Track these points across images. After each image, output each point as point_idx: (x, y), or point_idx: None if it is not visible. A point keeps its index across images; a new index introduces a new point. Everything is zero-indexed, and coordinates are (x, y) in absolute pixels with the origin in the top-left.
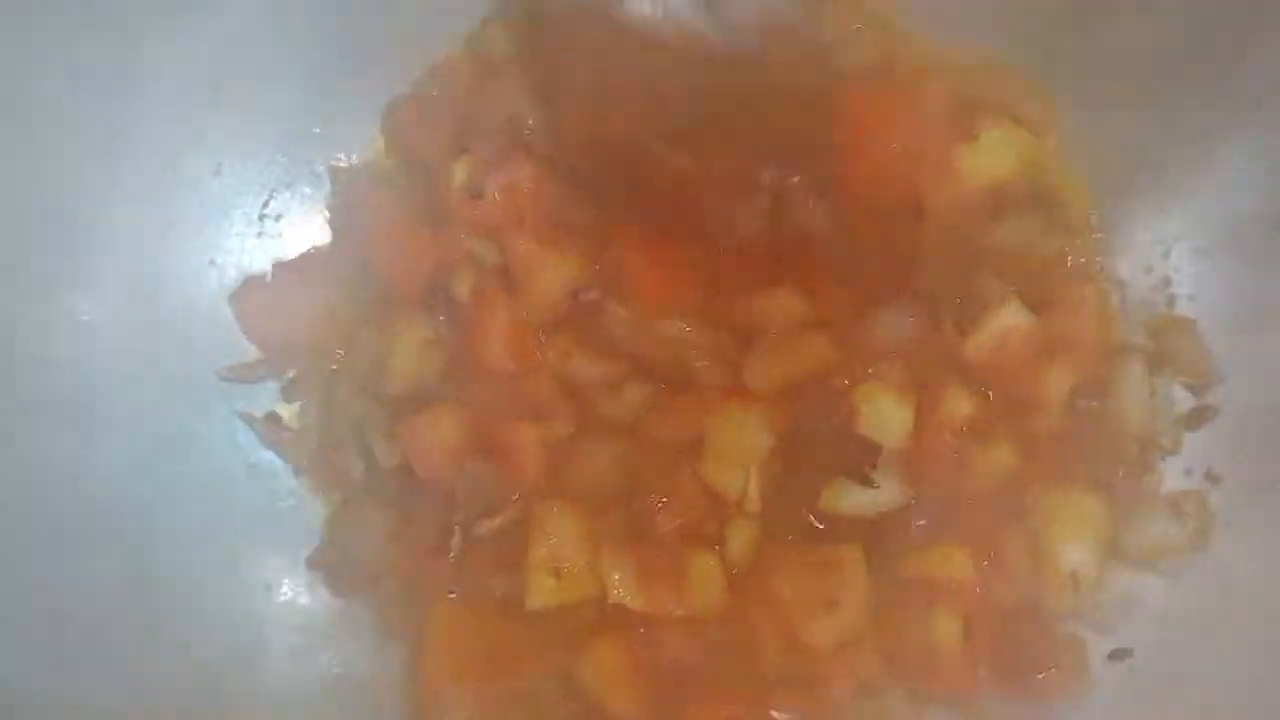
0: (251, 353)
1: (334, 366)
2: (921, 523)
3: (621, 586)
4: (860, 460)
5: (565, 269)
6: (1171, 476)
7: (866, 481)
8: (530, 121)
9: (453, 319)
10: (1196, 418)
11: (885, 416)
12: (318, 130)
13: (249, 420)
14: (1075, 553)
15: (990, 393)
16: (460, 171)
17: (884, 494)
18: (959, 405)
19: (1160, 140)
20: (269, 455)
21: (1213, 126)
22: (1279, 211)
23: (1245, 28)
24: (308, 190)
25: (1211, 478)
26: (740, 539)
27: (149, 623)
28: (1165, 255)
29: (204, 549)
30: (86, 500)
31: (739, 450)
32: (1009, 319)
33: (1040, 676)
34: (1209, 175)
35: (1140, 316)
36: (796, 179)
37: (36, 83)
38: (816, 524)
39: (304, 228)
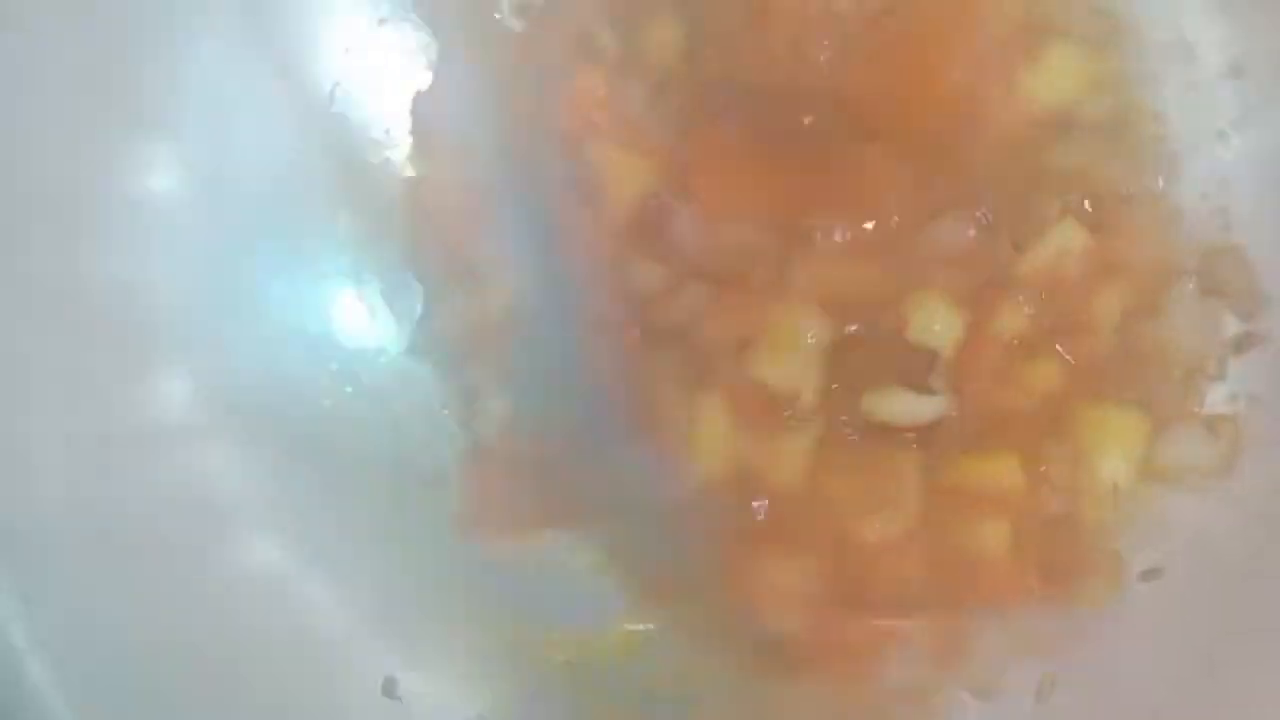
0: None
1: None
2: (968, 432)
3: None
4: (913, 367)
5: (641, 174)
6: (1211, 402)
7: (923, 388)
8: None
9: None
10: (1243, 343)
11: (936, 323)
12: None
13: None
14: (1114, 466)
15: (1042, 311)
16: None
17: (932, 401)
18: (1012, 320)
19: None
20: None
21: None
22: None
23: None
24: None
25: (1254, 400)
26: (795, 442)
27: None
28: (1223, 185)
29: None
30: None
31: (792, 348)
32: (1066, 238)
33: (1079, 583)
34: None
35: (1193, 241)
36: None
37: None
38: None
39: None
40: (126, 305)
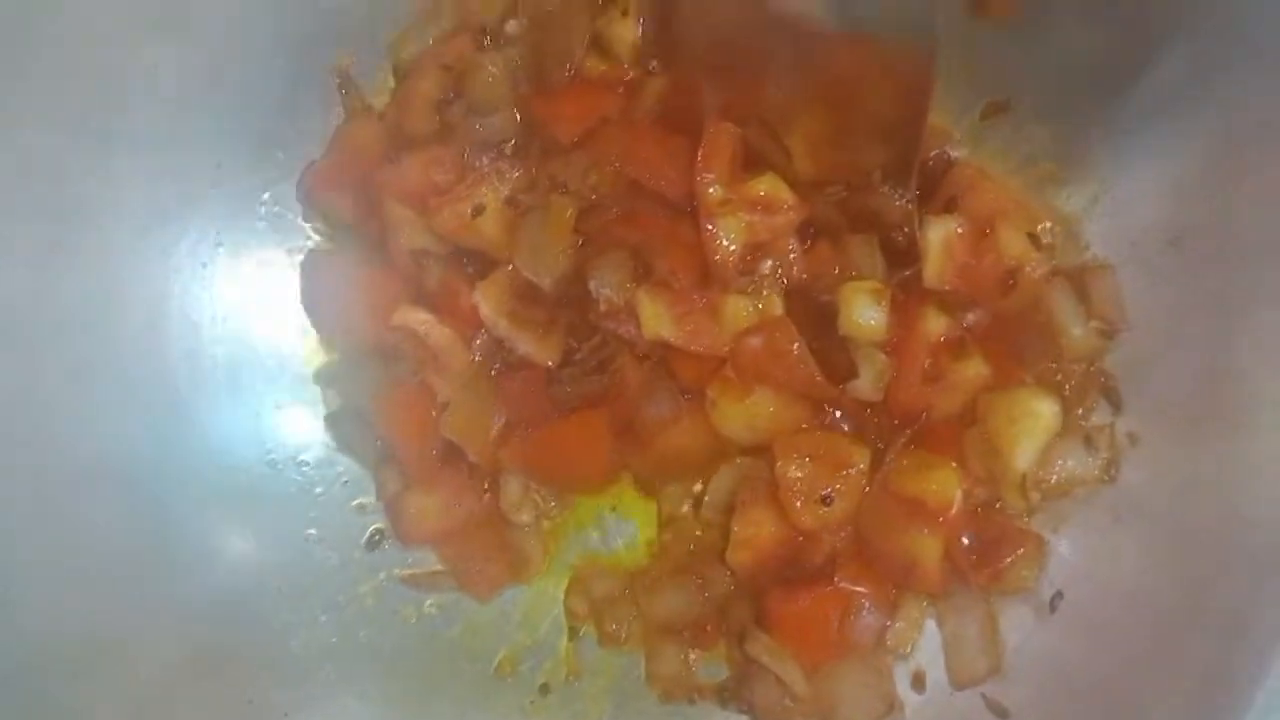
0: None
1: None
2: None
3: (656, 319)
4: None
5: None
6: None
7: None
8: None
9: None
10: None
11: (864, 315)
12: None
13: None
14: (1027, 454)
15: (965, 311)
16: None
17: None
18: (935, 324)
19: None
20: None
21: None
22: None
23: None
24: None
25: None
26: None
27: None
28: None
29: None
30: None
31: None
32: (936, 233)
33: (1007, 561)
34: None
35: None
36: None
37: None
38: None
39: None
40: None
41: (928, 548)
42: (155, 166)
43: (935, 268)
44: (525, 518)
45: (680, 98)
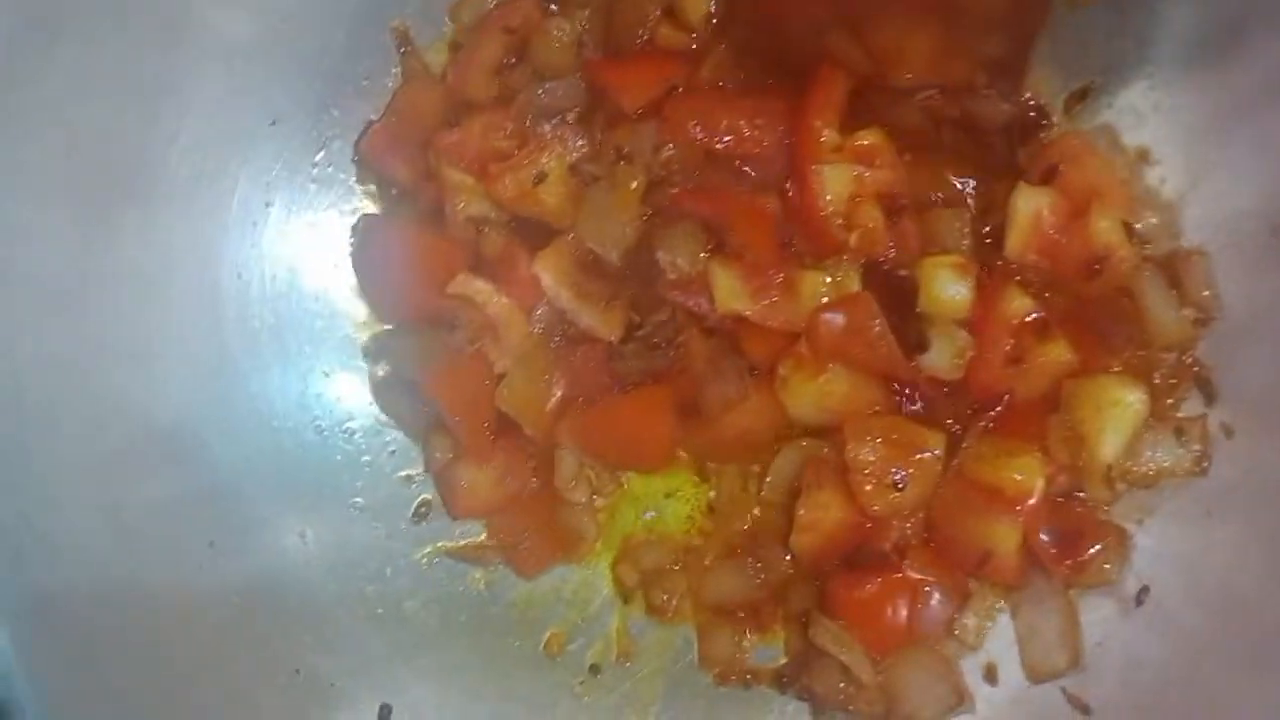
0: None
1: None
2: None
3: (730, 292)
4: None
5: None
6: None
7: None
8: None
9: None
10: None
11: (947, 290)
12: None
13: None
14: (1113, 444)
15: (1047, 291)
16: None
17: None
18: (1018, 304)
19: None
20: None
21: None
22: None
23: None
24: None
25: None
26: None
27: None
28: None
29: None
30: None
31: None
32: (1027, 204)
33: (1089, 553)
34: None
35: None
36: None
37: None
38: None
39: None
40: None
41: (1006, 538)
42: (208, 122)
43: (1019, 239)
44: (579, 496)
45: (757, 48)
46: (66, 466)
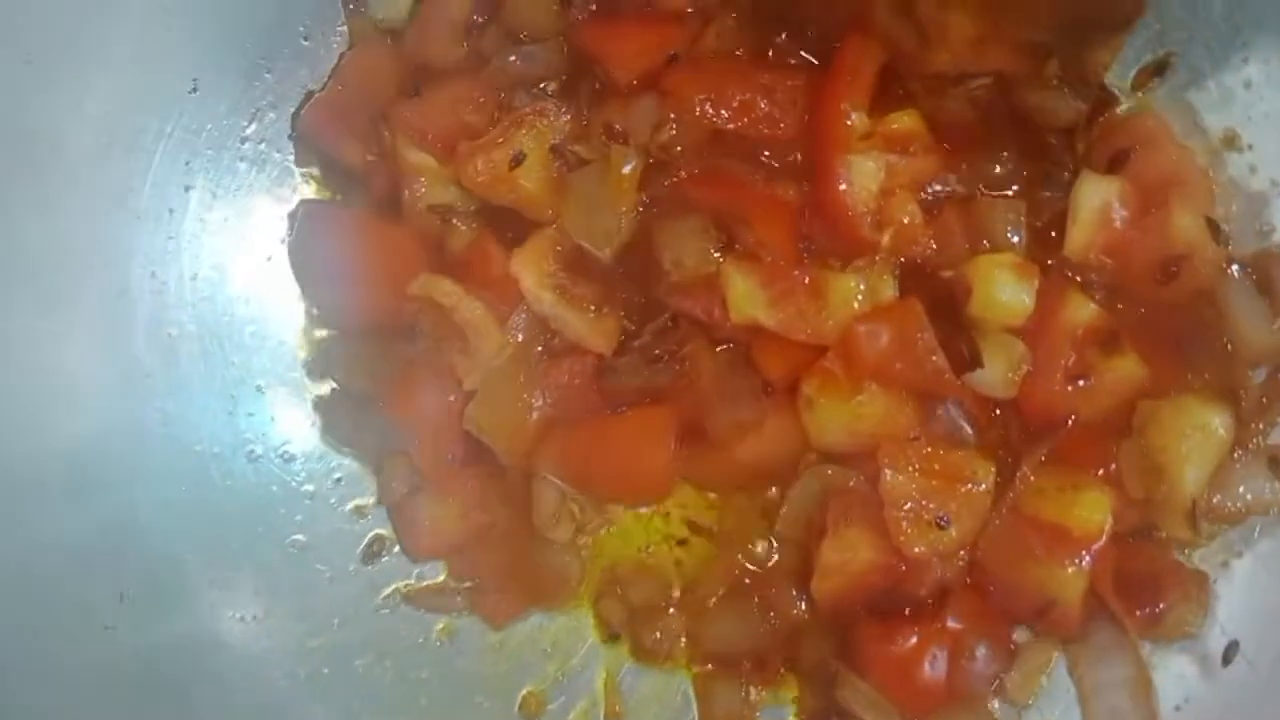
0: None
1: None
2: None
3: (747, 299)
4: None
5: None
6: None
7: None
8: None
9: None
10: None
11: (1005, 294)
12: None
13: None
14: (1197, 475)
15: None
16: None
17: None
18: (1080, 312)
19: None
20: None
21: None
22: None
23: None
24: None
25: None
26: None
27: None
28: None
29: None
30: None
31: None
32: (1093, 195)
33: (1162, 606)
34: None
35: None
36: None
37: None
38: None
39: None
40: None
41: (1069, 584)
42: (118, 85)
43: (1083, 236)
44: (561, 533)
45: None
46: None
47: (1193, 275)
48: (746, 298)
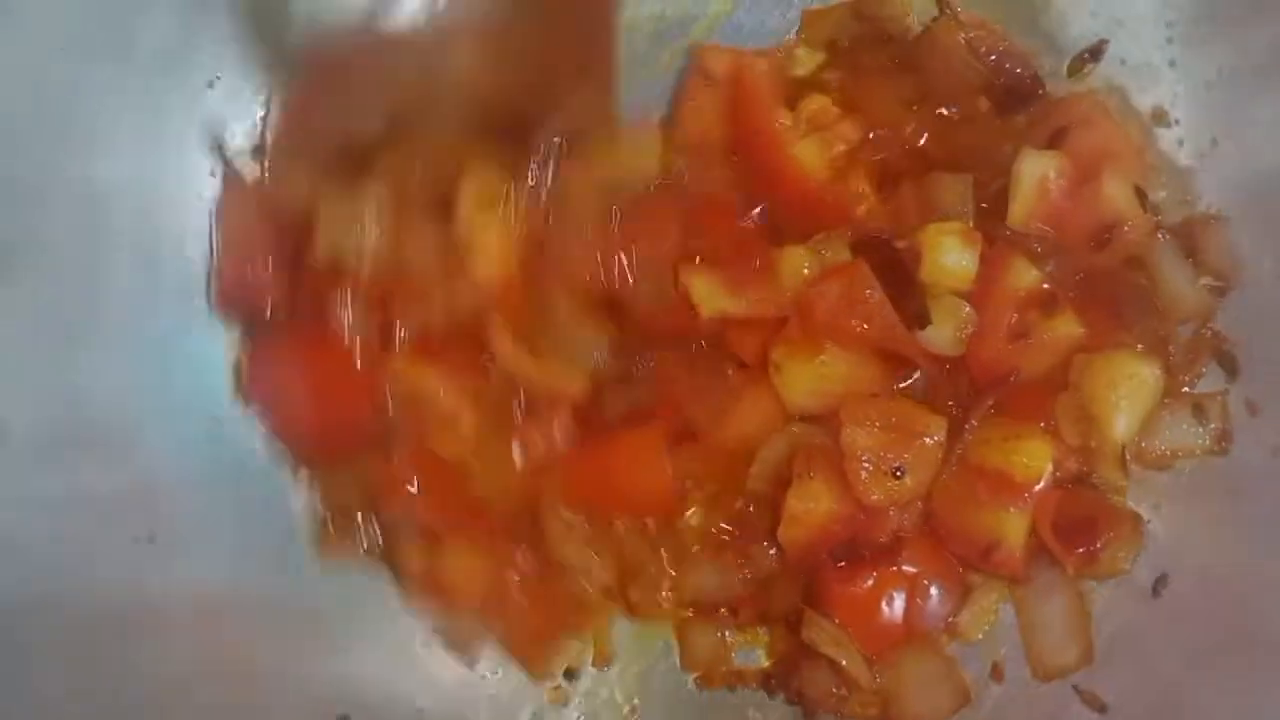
0: None
1: None
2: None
3: (711, 295)
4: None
5: None
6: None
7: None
8: None
9: None
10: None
11: (951, 259)
12: None
13: None
14: (1128, 423)
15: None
16: None
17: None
18: (1023, 276)
19: None
20: None
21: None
22: None
23: None
24: None
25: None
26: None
27: None
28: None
29: None
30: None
31: None
32: (1033, 169)
33: (1101, 542)
34: None
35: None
36: None
37: None
38: None
39: None
40: None
41: (1013, 527)
42: None
43: (1024, 207)
44: (576, 556)
45: None
46: None
47: (1123, 241)
48: (710, 295)
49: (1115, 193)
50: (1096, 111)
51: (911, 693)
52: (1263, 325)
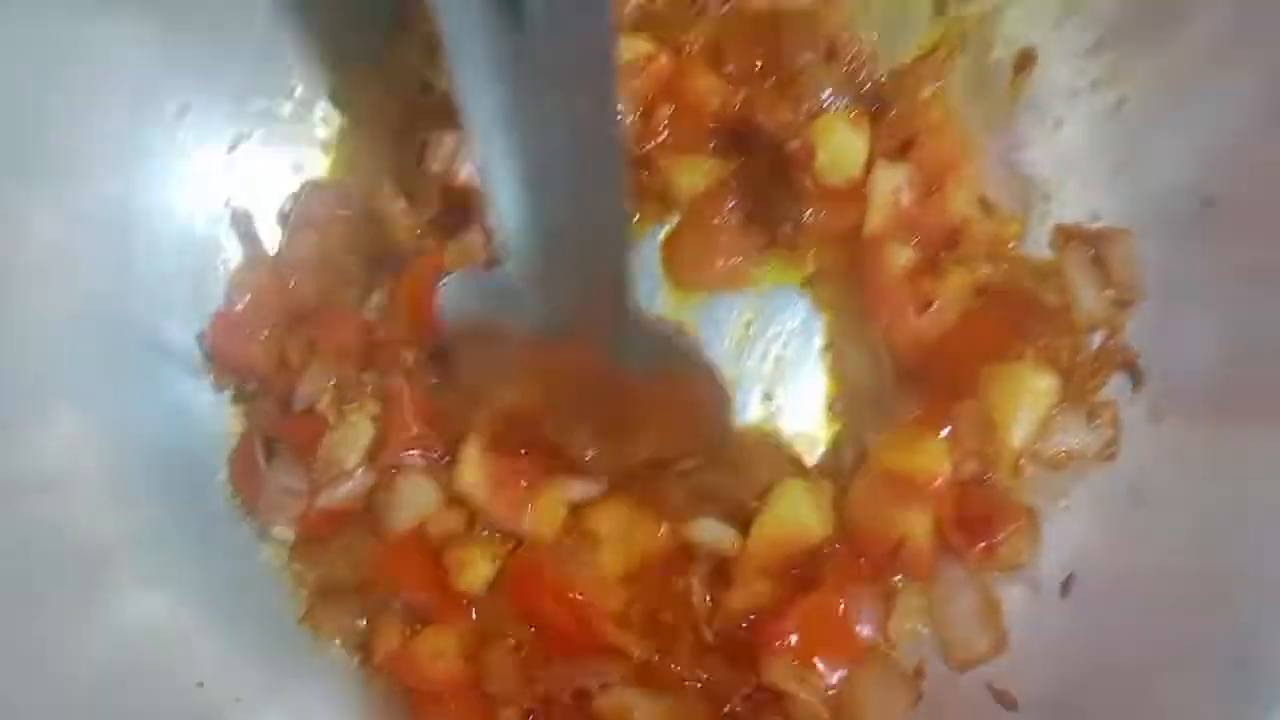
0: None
1: None
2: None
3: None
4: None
5: None
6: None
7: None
8: None
9: None
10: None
11: (842, 148)
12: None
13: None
14: (1023, 429)
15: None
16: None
17: None
18: (900, 256)
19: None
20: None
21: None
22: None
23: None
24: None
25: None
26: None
27: None
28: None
29: None
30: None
31: None
32: (886, 180)
33: (1000, 536)
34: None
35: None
36: None
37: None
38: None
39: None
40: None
41: (918, 524)
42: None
43: (879, 216)
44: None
45: None
46: None
47: (972, 245)
48: None
49: (958, 199)
50: (944, 123)
51: (869, 706)
52: (1167, 336)
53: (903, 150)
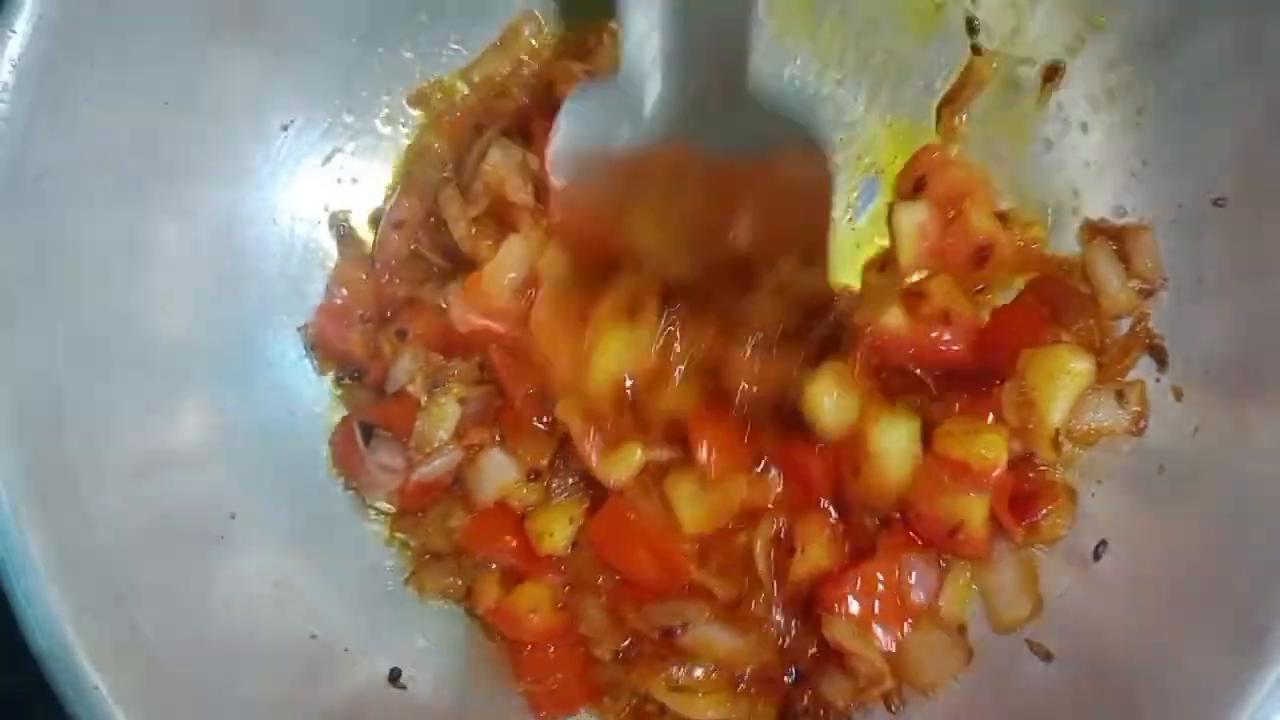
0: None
1: None
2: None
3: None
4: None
5: None
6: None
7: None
8: None
9: None
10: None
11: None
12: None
13: None
14: (1061, 408)
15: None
16: None
17: None
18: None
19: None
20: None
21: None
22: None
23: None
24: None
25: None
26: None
27: None
28: None
29: None
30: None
31: None
32: (909, 219)
33: (1042, 514)
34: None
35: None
36: None
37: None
38: None
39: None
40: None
41: (975, 509)
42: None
43: (909, 253)
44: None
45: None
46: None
47: (1001, 254)
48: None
49: (978, 218)
50: (945, 158)
51: (923, 662)
52: (1185, 322)
53: (916, 190)
